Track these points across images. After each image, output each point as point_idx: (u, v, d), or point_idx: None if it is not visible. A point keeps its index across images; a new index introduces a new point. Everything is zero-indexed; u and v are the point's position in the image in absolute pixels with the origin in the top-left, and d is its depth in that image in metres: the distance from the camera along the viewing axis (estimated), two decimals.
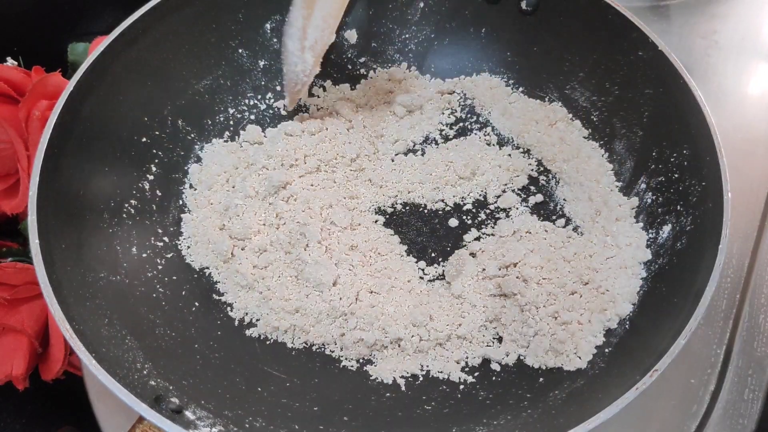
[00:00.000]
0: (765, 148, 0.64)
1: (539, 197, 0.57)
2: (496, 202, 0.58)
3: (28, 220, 0.44)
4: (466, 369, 0.50)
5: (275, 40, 0.62)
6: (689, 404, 0.52)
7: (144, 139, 0.55)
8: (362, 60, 0.64)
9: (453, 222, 0.57)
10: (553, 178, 0.58)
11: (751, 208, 0.60)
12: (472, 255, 0.54)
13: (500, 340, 0.51)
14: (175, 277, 0.52)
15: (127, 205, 0.53)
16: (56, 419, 0.59)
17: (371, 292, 0.52)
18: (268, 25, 0.61)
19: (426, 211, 0.58)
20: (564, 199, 0.57)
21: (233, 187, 0.57)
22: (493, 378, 0.49)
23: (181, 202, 0.57)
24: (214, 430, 0.42)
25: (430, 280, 0.54)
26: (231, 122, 0.61)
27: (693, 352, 0.53)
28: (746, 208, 0.60)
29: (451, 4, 0.62)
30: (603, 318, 0.49)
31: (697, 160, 0.49)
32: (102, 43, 0.52)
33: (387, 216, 0.57)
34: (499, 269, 0.52)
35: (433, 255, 0.55)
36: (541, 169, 0.59)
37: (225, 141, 0.60)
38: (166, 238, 0.54)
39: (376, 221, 0.56)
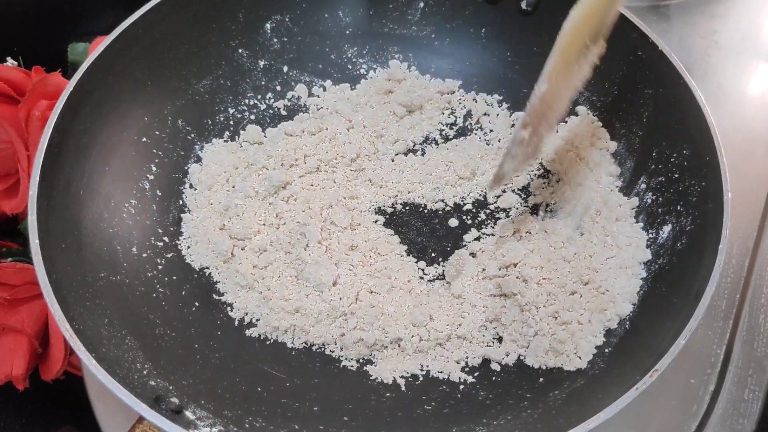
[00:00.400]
0: (765, 148, 0.64)
1: (539, 197, 0.57)
2: (496, 202, 0.58)
3: (28, 220, 0.44)
4: (466, 369, 0.50)
5: (275, 40, 0.62)
6: (689, 404, 0.52)
7: (144, 139, 0.55)
8: (362, 60, 0.64)
9: (453, 222, 0.57)
10: (554, 178, 0.58)
11: (751, 208, 0.60)
12: (472, 255, 0.54)
13: (500, 340, 0.51)
14: (175, 277, 0.52)
15: (127, 205, 0.53)
16: (56, 419, 0.59)
17: (371, 292, 0.52)
18: (268, 25, 0.61)
19: (426, 211, 0.58)
20: (564, 200, 0.57)
21: (233, 187, 0.57)
22: (493, 378, 0.49)
23: (181, 202, 0.57)
24: (214, 430, 0.42)
25: (430, 280, 0.54)
26: (231, 122, 0.61)
27: (693, 352, 0.53)
28: (746, 208, 0.60)
29: (451, 4, 0.62)
30: (603, 318, 0.49)
31: (697, 160, 0.49)
32: (102, 43, 0.52)
33: (387, 216, 0.57)
34: (499, 269, 0.52)
35: (433, 255, 0.55)
36: (541, 169, 0.59)
37: (225, 141, 0.60)
38: (166, 238, 0.54)
39: (376, 221, 0.56)
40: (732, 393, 0.52)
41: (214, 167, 0.58)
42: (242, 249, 0.54)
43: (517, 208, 0.57)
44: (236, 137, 0.60)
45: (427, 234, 0.56)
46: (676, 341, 0.41)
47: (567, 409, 0.44)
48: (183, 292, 0.52)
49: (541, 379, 0.48)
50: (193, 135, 0.59)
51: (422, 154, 0.60)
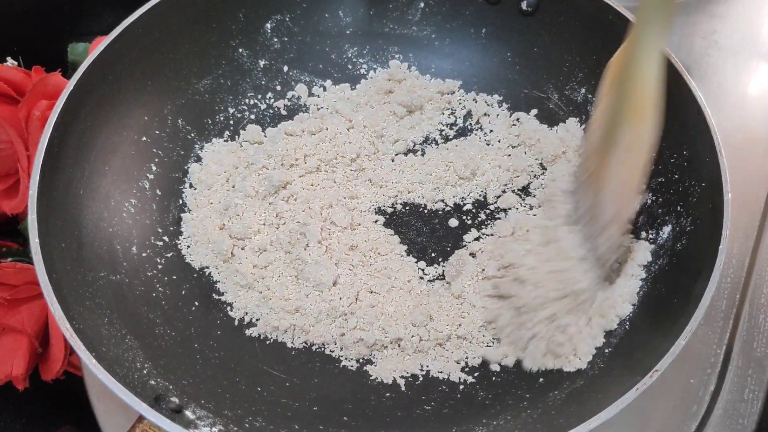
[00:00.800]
0: (765, 148, 0.64)
1: (539, 197, 0.57)
2: (496, 202, 0.58)
3: (28, 220, 0.44)
4: (466, 369, 0.50)
5: (275, 40, 0.62)
6: (689, 404, 0.52)
7: (144, 139, 0.55)
8: (362, 60, 0.64)
9: (453, 222, 0.57)
10: (549, 177, 0.58)
11: (751, 208, 0.60)
12: (472, 255, 0.54)
13: (499, 341, 0.51)
14: (175, 277, 0.52)
15: (127, 204, 0.53)
16: (56, 419, 0.59)
17: (371, 292, 0.52)
18: (268, 25, 0.61)
19: (426, 211, 0.58)
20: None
21: (233, 187, 0.57)
22: (493, 378, 0.49)
23: (181, 202, 0.57)
24: (214, 430, 0.42)
25: (429, 281, 0.54)
26: (231, 122, 0.61)
27: (693, 352, 0.53)
28: (746, 208, 0.60)
29: (451, 4, 0.62)
30: (602, 320, 0.49)
31: (697, 160, 0.49)
32: (102, 43, 0.52)
33: (387, 216, 0.57)
34: (498, 270, 0.52)
35: (433, 255, 0.55)
36: (541, 169, 0.59)
37: (225, 141, 0.60)
38: (166, 238, 0.54)
39: (376, 221, 0.56)
40: (732, 393, 0.52)
41: (214, 167, 0.58)
42: (242, 249, 0.54)
43: (517, 208, 0.57)
44: (236, 137, 0.60)
45: (427, 234, 0.56)
46: (676, 341, 0.41)
47: (567, 409, 0.44)
48: (183, 292, 0.52)
49: (541, 380, 0.48)
50: (193, 134, 0.59)
51: (422, 154, 0.60)
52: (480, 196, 0.58)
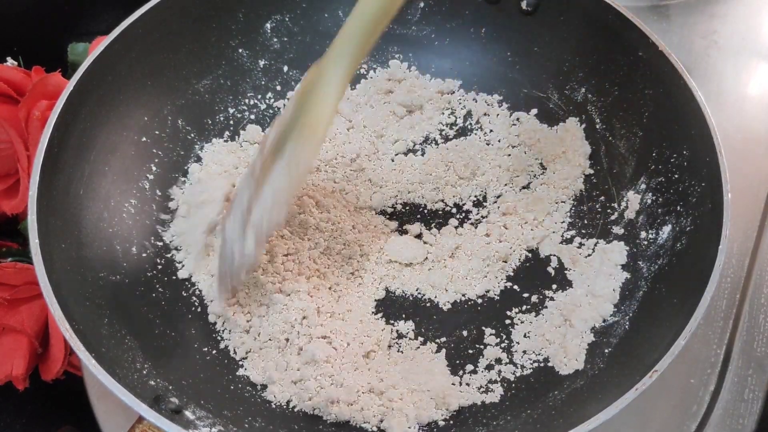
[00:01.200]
0: (765, 148, 0.64)
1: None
2: (496, 201, 0.58)
3: (28, 220, 0.44)
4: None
5: (275, 40, 0.62)
6: (689, 404, 0.52)
7: (144, 139, 0.55)
8: (362, 60, 0.64)
9: (453, 222, 0.57)
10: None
11: (751, 208, 0.60)
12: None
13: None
14: (174, 278, 0.52)
15: (127, 205, 0.53)
16: (56, 419, 0.59)
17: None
18: (268, 25, 0.61)
19: (426, 211, 0.58)
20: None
21: (233, 187, 0.57)
22: (493, 378, 0.49)
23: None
24: (214, 430, 0.42)
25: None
26: (231, 122, 0.61)
27: (693, 352, 0.53)
28: (746, 208, 0.60)
29: (451, 4, 0.62)
30: (584, 322, 0.49)
31: (697, 160, 0.49)
32: (102, 43, 0.52)
33: (387, 216, 0.57)
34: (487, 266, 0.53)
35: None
36: (541, 168, 0.59)
37: (225, 141, 0.60)
38: (166, 238, 0.54)
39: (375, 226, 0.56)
40: (732, 393, 0.52)
41: (214, 167, 0.58)
42: None
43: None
44: (236, 137, 0.60)
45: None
46: (676, 341, 0.41)
47: (567, 409, 0.44)
48: (183, 292, 0.52)
49: (541, 379, 0.48)
50: (193, 135, 0.59)
51: (422, 154, 0.60)
52: (480, 196, 0.58)
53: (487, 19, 0.61)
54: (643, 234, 0.52)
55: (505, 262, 0.54)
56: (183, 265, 0.53)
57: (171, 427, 0.39)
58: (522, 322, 0.51)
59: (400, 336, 0.51)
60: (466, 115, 0.62)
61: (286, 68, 0.63)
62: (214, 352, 0.49)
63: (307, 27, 0.62)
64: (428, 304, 0.53)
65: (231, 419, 0.44)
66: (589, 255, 0.54)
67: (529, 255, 0.55)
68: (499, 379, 0.49)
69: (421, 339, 0.51)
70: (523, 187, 0.58)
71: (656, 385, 0.40)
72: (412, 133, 0.61)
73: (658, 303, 0.48)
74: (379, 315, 0.52)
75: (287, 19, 0.62)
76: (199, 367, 0.48)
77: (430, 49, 0.63)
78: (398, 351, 0.50)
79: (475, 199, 0.58)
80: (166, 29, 0.56)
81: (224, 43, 0.60)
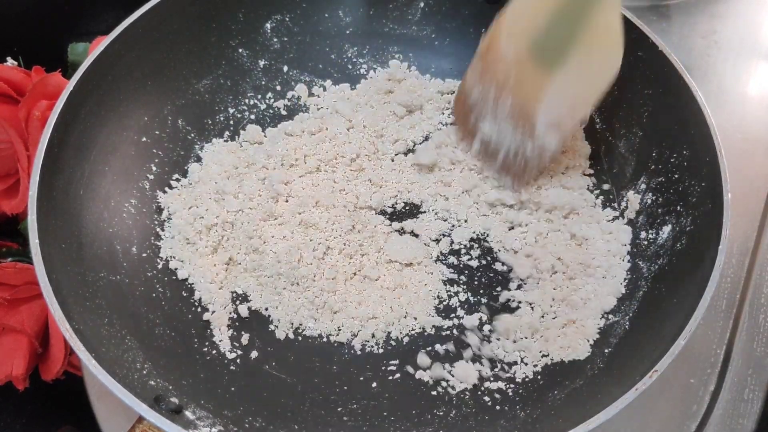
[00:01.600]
0: (765, 148, 0.64)
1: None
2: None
3: (28, 220, 0.44)
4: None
5: (275, 40, 0.62)
6: (689, 404, 0.52)
7: (144, 139, 0.55)
8: (362, 60, 0.64)
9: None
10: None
11: (751, 208, 0.60)
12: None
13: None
14: (174, 277, 0.52)
15: (127, 204, 0.53)
16: (56, 419, 0.59)
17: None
18: (268, 25, 0.61)
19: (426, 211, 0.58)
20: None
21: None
22: (492, 378, 0.49)
23: None
24: (214, 430, 0.42)
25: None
26: (231, 122, 0.61)
27: (693, 352, 0.53)
28: (746, 208, 0.60)
29: (451, 4, 0.62)
30: (585, 319, 0.49)
31: (697, 160, 0.49)
32: (102, 43, 0.52)
33: (387, 216, 0.57)
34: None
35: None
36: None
37: (225, 141, 0.60)
38: (165, 238, 0.54)
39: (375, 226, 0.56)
40: (732, 393, 0.52)
41: (214, 167, 0.58)
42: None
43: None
44: (236, 137, 0.60)
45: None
46: (676, 341, 0.41)
47: (566, 409, 0.44)
48: (183, 292, 0.52)
49: (540, 380, 0.48)
50: (193, 135, 0.59)
51: None
52: None
53: (487, 19, 0.61)
54: (643, 234, 0.52)
55: (504, 262, 0.54)
56: (183, 265, 0.53)
57: (171, 427, 0.39)
58: (522, 321, 0.51)
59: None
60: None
61: (286, 68, 0.63)
62: (214, 352, 0.49)
63: (307, 27, 0.62)
64: None
65: (231, 419, 0.44)
66: (589, 254, 0.53)
67: (529, 255, 0.55)
68: (498, 379, 0.49)
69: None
70: None
71: (656, 385, 0.40)
72: (412, 133, 0.61)
73: (658, 303, 0.48)
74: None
75: (287, 19, 0.62)
76: (199, 367, 0.48)
77: (430, 49, 0.63)
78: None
79: None
80: (166, 29, 0.56)
81: (224, 43, 0.60)
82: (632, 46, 0.54)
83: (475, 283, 0.53)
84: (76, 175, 0.49)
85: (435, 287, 0.53)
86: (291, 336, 0.51)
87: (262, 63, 0.62)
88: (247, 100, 0.62)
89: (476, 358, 0.50)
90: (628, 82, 0.56)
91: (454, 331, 0.51)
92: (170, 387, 0.44)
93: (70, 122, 0.49)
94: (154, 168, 0.56)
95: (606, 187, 0.57)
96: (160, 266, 0.52)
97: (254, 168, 0.57)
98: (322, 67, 0.63)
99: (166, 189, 0.56)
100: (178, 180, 0.57)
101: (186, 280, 0.52)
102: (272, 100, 0.62)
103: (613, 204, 0.56)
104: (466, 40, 0.62)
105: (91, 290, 0.46)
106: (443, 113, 0.62)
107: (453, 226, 0.56)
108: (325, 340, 0.51)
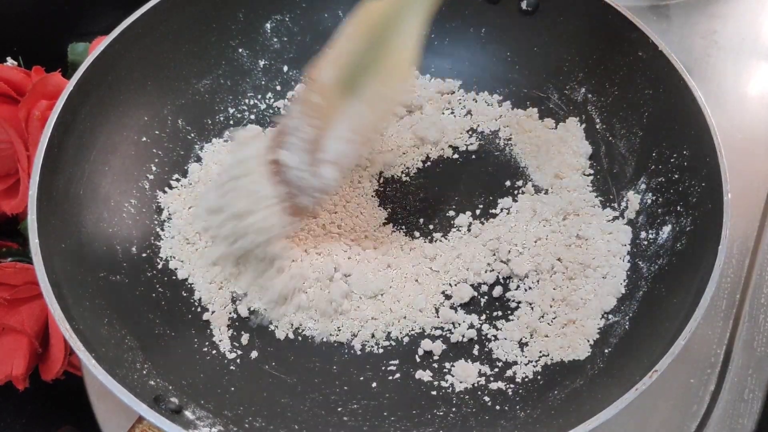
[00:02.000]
0: (765, 148, 0.64)
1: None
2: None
3: (28, 220, 0.44)
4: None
5: (275, 39, 0.62)
6: (689, 404, 0.52)
7: (144, 139, 0.55)
8: None
9: (451, 215, 0.57)
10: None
11: (751, 208, 0.60)
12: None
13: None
14: (174, 277, 0.52)
15: (127, 204, 0.53)
16: (56, 419, 0.59)
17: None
18: (268, 25, 0.61)
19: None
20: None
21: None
22: (492, 378, 0.49)
23: None
24: (214, 430, 0.42)
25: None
26: (231, 122, 0.61)
27: (693, 352, 0.53)
28: (746, 208, 0.60)
29: (450, 4, 0.61)
30: (586, 318, 0.49)
31: (697, 160, 0.49)
32: (102, 43, 0.52)
33: (385, 217, 0.57)
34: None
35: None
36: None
37: (225, 141, 0.60)
38: (165, 238, 0.54)
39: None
40: (732, 393, 0.52)
41: (214, 167, 0.58)
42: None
43: (516, 200, 0.57)
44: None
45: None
46: (676, 341, 0.41)
47: (566, 409, 0.44)
48: (183, 292, 0.52)
49: (540, 380, 0.48)
50: (193, 135, 0.59)
51: None
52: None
53: (487, 19, 0.61)
54: (643, 234, 0.52)
55: (505, 261, 0.54)
56: (183, 265, 0.53)
57: (171, 427, 0.39)
58: (522, 321, 0.51)
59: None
60: (466, 115, 0.62)
61: (286, 68, 0.63)
62: (213, 352, 0.49)
63: (307, 27, 0.62)
64: None
65: (231, 419, 0.44)
66: (589, 254, 0.53)
67: (529, 254, 0.55)
68: (498, 379, 0.49)
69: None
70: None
71: (656, 385, 0.40)
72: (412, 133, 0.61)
73: (658, 303, 0.48)
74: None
75: (287, 19, 0.62)
76: (199, 367, 0.48)
77: (430, 49, 0.63)
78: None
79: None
80: (166, 29, 0.56)
81: (224, 43, 0.60)
82: (632, 46, 0.54)
83: (475, 283, 0.53)
84: (76, 175, 0.49)
85: (435, 287, 0.53)
86: (291, 336, 0.51)
87: (262, 63, 0.62)
88: (247, 100, 0.62)
89: (476, 358, 0.50)
90: (628, 82, 0.56)
91: (454, 331, 0.51)
92: (170, 387, 0.44)
93: (70, 122, 0.49)
94: (154, 168, 0.56)
95: (606, 187, 0.57)
96: (160, 266, 0.52)
97: None
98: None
99: (166, 189, 0.56)
100: (178, 180, 0.57)
101: (186, 280, 0.52)
102: (272, 100, 0.62)
103: (613, 204, 0.56)
104: (465, 40, 0.63)
105: (91, 290, 0.46)
106: (443, 113, 0.62)
107: None
108: (325, 340, 0.51)
